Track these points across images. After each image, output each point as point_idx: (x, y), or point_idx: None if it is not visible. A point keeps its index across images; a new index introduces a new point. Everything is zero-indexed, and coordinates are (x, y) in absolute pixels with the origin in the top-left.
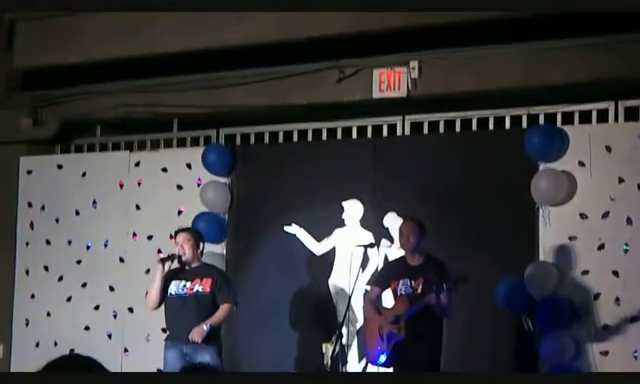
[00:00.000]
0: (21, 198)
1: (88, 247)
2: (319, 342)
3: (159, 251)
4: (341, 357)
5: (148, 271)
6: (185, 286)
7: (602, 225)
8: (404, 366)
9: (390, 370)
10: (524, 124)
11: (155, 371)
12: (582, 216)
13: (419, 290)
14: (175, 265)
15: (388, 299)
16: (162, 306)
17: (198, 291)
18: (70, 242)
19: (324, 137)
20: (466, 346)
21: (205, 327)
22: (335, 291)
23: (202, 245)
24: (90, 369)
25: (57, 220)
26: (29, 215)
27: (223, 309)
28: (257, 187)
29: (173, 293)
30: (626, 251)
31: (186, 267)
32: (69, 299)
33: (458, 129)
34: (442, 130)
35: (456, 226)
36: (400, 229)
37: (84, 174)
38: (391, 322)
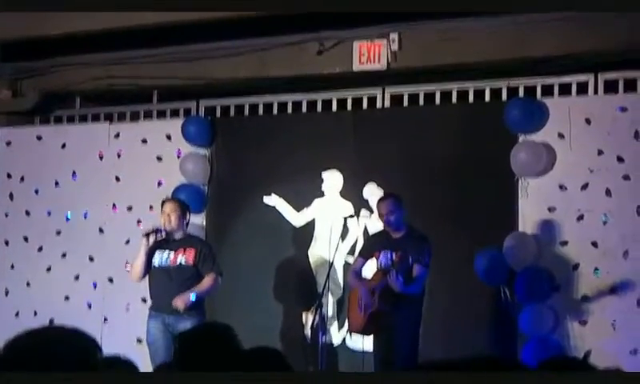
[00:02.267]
0: (0, 169)
1: (67, 218)
2: (300, 312)
3: (139, 222)
4: (321, 327)
5: (128, 242)
6: (168, 257)
7: (582, 196)
8: (380, 336)
9: (370, 338)
10: (504, 96)
11: (135, 341)
12: (562, 188)
13: (398, 263)
14: (159, 236)
15: (371, 270)
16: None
17: (181, 263)
18: (49, 213)
19: (304, 109)
20: (445, 316)
21: (189, 295)
22: (315, 262)
23: (188, 216)
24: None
25: (36, 191)
26: (8, 186)
27: (207, 279)
28: (237, 159)
29: (157, 264)
30: (604, 223)
31: (170, 238)
32: (48, 269)
33: (437, 101)
34: (421, 102)
35: (435, 197)
36: (378, 207)
37: (64, 146)
38: (367, 294)
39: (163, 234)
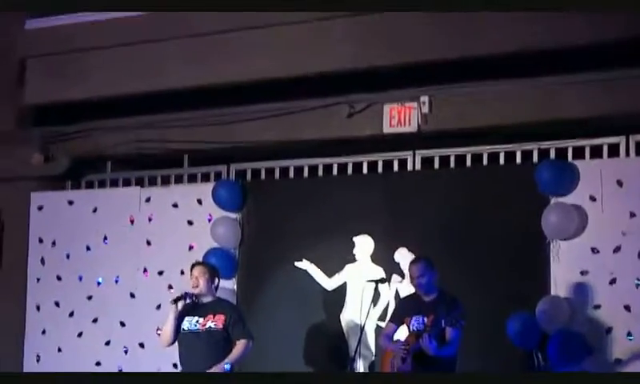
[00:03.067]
0: (32, 233)
1: (99, 283)
2: None
3: (170, 287)
4: None
5: (159, 307)
6: (198, 321)
7: (614, 259)
8: None
9: None
10: (535, 159)
11: None
12: (594, 250)
13: (430, 326)
14: (188, 301)
15: (403, 335)
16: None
17: (210, 327)
18: (80, 278)
19: (335, 172)
20: None
21: (225, 366)
22: (347, 326)
23: (217, 280)
24: None
25: (67, 256)
26: (40, 251)
27: (239, 345)
28: (267, 222)
29: (186, 328)
30: (637, 286)
31: (199, 302)
32: (80, 335)
33: (468, 163)
34: (452, 164)
35: (467, 260)
36: (409, 270)
37: (95, 210)
38: (401, 357)
39: (192, 298)
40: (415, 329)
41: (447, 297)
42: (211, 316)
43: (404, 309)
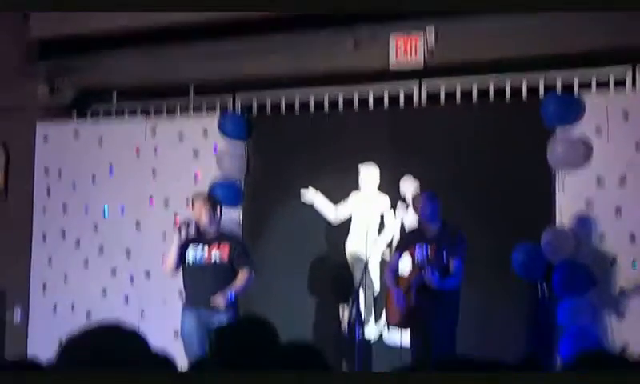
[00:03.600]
0: (37, 164)
1: (104, 213)
2: (336, 307)
3: (175, 216)
4: (357, 320)
5: (164, 236)
6: (202, 252)
7: (619, 190)
8: (417, 331)
9: (407, 333)
10: (541, 91)
11: (172, 335)
12: (599, 181)
13: (433, 258)
14: (192, 230)
15: (406, 266)
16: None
17: (215, 260)
18: (86, 208)
19: (340, 104)
20: (481, 311)
21: (228, 293)
22: (352, 256)
23: (219, 210)
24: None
25: (73, 186)
26: (45, 181)
27: (242, 276)
28: (273, 153)
29: (190, 260)
30: None
31: (203, 234)
32: (85, 264)
33: (474, 96)
34: (458, 97)
35: (472, 192)
36: (413, 202)
37: (100, 140)
38: (404, 291)
39: (196, 226)
40: (419, 258)
41: (450, 228)
42: (216, 246)
43: (408, 239)
